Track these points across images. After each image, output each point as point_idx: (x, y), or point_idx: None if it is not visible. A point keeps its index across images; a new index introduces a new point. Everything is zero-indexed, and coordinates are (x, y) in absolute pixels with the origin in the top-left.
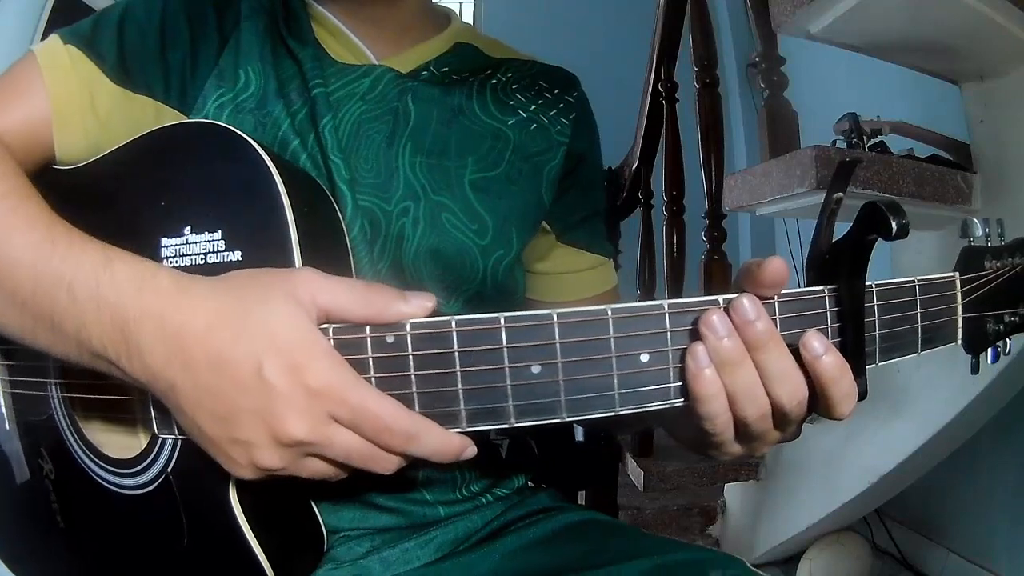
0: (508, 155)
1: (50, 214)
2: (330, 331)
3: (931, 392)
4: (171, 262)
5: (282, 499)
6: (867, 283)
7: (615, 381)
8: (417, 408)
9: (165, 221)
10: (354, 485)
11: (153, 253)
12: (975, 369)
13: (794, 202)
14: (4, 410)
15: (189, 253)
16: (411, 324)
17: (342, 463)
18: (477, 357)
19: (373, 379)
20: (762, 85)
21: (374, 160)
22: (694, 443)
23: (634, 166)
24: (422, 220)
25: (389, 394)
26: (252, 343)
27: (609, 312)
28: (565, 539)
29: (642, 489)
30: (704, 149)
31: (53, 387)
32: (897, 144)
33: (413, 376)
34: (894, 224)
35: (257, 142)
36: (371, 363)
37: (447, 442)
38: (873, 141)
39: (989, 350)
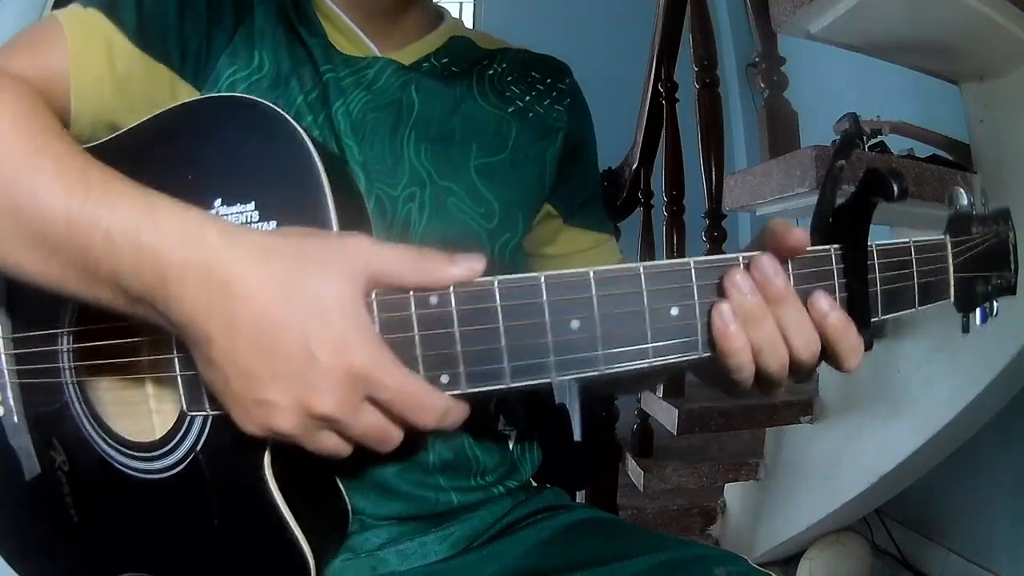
0: (511, 141)
1: (84, 155)
2: (373, 292)
3: (931, 392)
4: None
5: (312, 474)
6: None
7: (648, 334)
8: (462, 366)
9: (192, 194)
10: (370, 469)
11: None
12: (965, 328)
13: (794, 202)
14: (12, 403)
15: None
16: (455, 284)
17: (354, 441)
18: (519, 313)
19: (417, 336)
20: (762, 85)
21: (380, 147)
22: (716, 382)
23: (634, 166)
24: (428, 205)
25: (433, 353)
26: (303, 315)
27: (641, 269)
28: (572, 537)
29: (642, 489)
30: (704, 149)
31: (67, 372)
32: (897, 144)
33: (457, 333)
34: (895, 186)
35: (287, 114)
36: (415, 320)
37: (464, 411)
38: (873, 141)
39: (978, 311)
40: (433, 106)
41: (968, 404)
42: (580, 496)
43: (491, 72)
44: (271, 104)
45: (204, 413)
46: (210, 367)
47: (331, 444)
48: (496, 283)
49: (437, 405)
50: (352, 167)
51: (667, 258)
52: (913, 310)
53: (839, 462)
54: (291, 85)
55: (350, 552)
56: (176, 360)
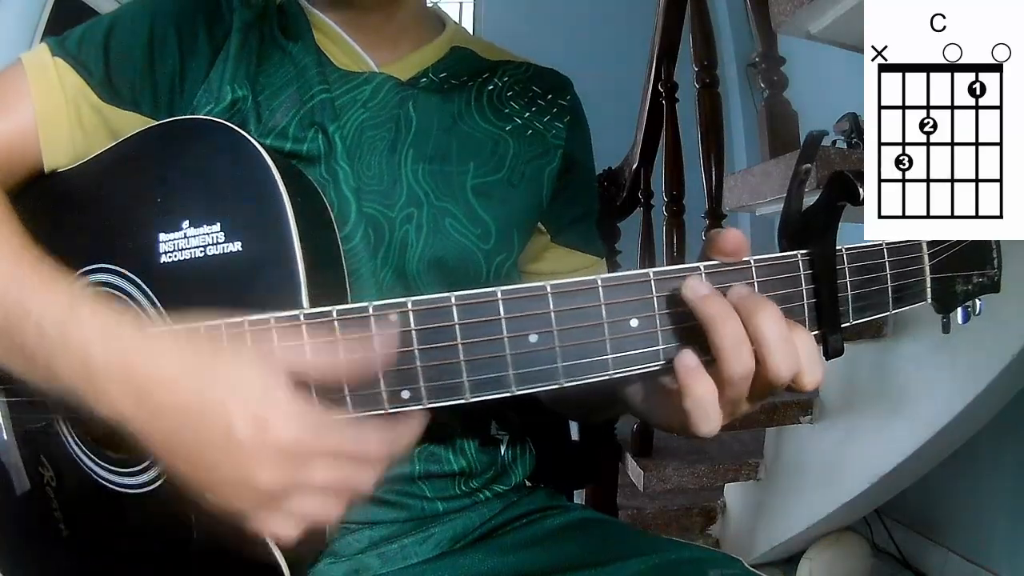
0: (509, 160)
1: (20, 242)
2: (334, 313)
3: (931, 392)
4: (170, 257)
5: None
6: (837, 247)
7: (608, 346)
8: (422, 382)
9: (161, 217)
10: None
11: (151, 248)
12: (946, 328)
13: None
14: (1, 420)
15: (188, 247)
16: (412, 301)
17: (324, 496)
18: (477, 329)
19: (379, 357)
20: (762, 85)
21: (377, 167)
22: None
23: (634, 166)
24: (426, 226)
25: (395, 370)
26: (220, 400)
27: (599, 281)
28: (564, 537)
29: (642, 489)
30: (704, 149)
31: None
32: None
33: (416, 351)
34: (861, 191)
35: (249, 135)
36: (375, 339)
37: (414, 432)
38: None
39: (959, 310)
40: (431, 124)
41: (968, 404)
42: (579, 496)
43: (490, 87)
44: (232, 125)
45: None
46: (156, 453)
47: (305, 506)
48: (453, 299)
49: (377, 451)
50: (344, 193)
51: (667, 258)
52: (887, 314)
53: (839, 462)
54: (272, 113)
55: (332, 556)
56: None
